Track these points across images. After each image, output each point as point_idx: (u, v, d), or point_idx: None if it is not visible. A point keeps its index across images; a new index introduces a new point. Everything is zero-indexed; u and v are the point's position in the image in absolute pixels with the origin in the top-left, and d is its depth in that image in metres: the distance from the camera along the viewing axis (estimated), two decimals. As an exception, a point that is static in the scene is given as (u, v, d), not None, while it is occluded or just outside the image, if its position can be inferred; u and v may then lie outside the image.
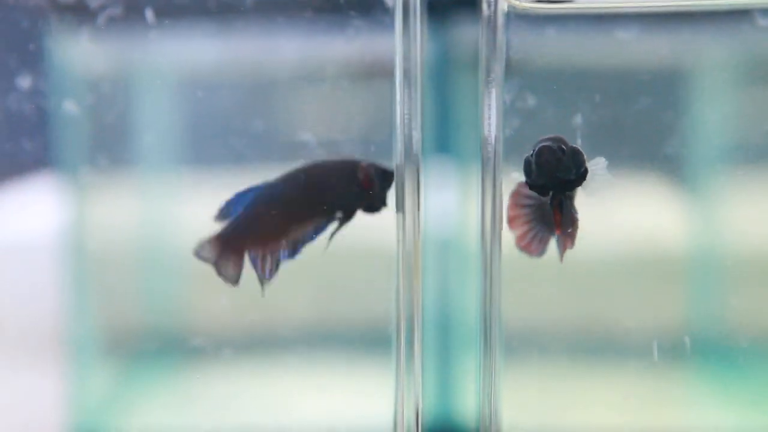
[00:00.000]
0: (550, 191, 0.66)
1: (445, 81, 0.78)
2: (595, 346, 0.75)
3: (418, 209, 0.73)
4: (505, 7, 0.66)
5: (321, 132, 0.74)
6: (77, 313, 0.79)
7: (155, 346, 0.78)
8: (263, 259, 0.69)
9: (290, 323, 0.77)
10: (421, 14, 0.69)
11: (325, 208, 0.70)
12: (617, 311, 0.74)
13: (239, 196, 0.68)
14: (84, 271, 0.78)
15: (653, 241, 0.74)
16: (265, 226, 0.69)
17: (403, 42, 0.69)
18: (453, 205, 0.79)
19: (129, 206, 0.78)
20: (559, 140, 0.66)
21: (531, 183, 0.66)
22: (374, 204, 0.71)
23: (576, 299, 0.75)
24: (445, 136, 0.79)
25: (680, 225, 0.75)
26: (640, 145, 0.72)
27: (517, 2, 0.66)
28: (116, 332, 0.78)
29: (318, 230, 0.71)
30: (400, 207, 0.71)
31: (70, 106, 0.75)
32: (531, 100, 0.69)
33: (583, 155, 0.66)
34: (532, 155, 0.65)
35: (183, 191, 0.77)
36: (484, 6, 0.66)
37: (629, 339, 0.74)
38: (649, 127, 0.71)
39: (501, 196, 0.70)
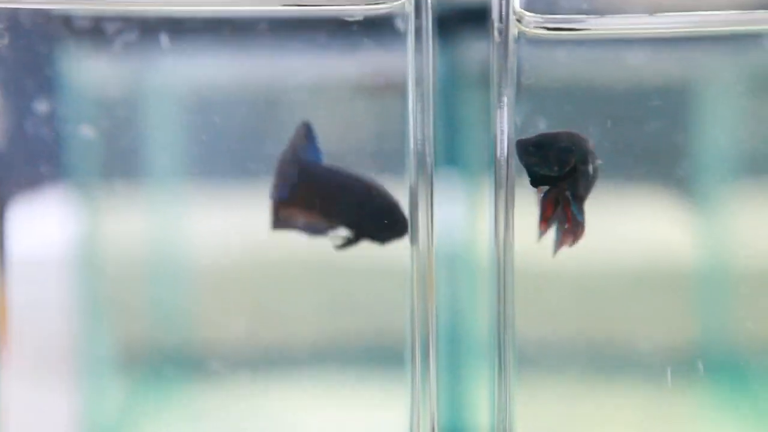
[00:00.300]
0: (534, 185, 0.69)
1: (452, 96, 0.79)
2: (608, 361, 0.76)
3: (432, 226, 0.74)
4: (516, 33, 0.68)
5: (332, 147, 0.75)
6: (90, 328, 0.79)
7: (168, 362, 0.78)
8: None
9: (302, 340, 0.78)
10: (432, 35, 0.70)
11: (340, 219, 0.73)
12: (629, 326, 0.75)
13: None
14: (97, 287, 0.79)
15: (665, 256, 0.75)
16: (300, 202, 0.73)
17: (415, 61, 0.70)
18: (461, 218, 0.80)
19: (142, 222, 0.78)
20: (565, 137, 0.68)
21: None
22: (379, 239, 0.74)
23: (588, 313, 0.76)
24: (454, 151, 0.80)
25: (691, 240, 0.76)
26: (650, 163, 0.73)
27: (527, 28, 0.68)
28: (129, 348, 0.78)
29: (328, 230, 0.73)
30: (414, 239, 0.73)
31: (84, 126, 0.76)
32: (542, 124, 0.70)
33: (571, 154, 0.68)
34: None
35: (195, 207, 0.78)
36: (495, 34, 0.68)
37: (641, 354, 0.75)
38: (658, 146, 0.72)
39: (513, 213, 0.71)
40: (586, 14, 0.67)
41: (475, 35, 0.76)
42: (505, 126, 0.70)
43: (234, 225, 0.77)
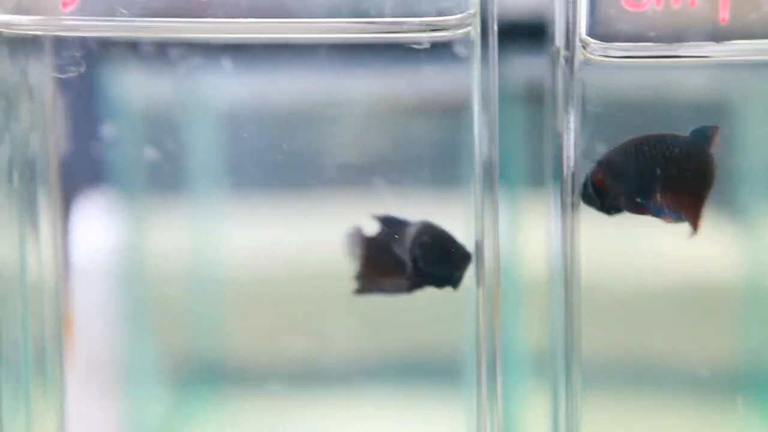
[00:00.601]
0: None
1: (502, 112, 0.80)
2: (669, 380, 0.76)
3: (498, 242, 0.75)
4: (580, 59, 0.68)
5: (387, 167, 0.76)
6: (135, 338, 0.81)
7: (209, 374, 0.80)
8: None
9: (348, 356, 0.79)
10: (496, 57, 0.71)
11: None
12: (688, 345, 0.76)
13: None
14: (142, 297, 0.80)
15: (717, 274, 0.76)
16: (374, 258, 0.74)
17: (480, 82, 0.71)
18: (505, 234, 0.81)
19: (185, 234, 0.80)
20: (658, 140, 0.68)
21: None
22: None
23: (647, 332, 0.76)
24: (503, 168, 0.81)
25: (732, 258, 0.76)
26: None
27: (592, 55, 0.68)
28: (172, 358, 0.80)
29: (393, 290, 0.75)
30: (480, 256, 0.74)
31: (137, 142, 0.78)
32: (600, 148, 0.70)
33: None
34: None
35: (238, 219, 0.79)
36: (561, 60, 0.68)
37: (700, 373, 0.76)
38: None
39: (579, 233, 0.72)
40: (652, 41, 0.67)
41: (528, 52, 0.77)
42: (572, 149, 0.71)
43: (278, 238, 0.79)
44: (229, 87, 0.76)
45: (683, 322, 0.76)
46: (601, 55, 0.68)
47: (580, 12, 0.68)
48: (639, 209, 0.68)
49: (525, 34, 0.76)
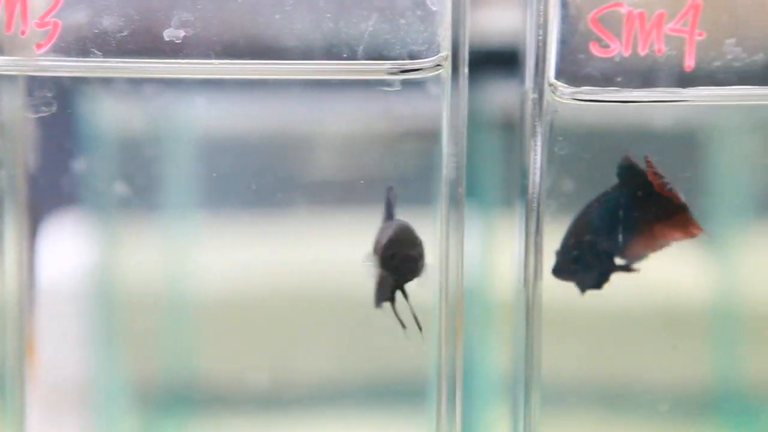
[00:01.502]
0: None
1: (475, 137, 0.82)
2: (629, 401, 0.79)
3: (462, 266, 0.77)
4: (550, 100, 0.70)
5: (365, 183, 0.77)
6: (104, 361, 0.82)
7: (180, 396, 0.81)
8: None
9: (319, 376, 0.81)
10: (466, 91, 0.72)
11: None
12: (651, 366, 0.79)
13: None
14: (112, 319, 0.81)
15: (687, 297, 0.78)
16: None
17: (449, 113, 0.73)
18: (478, 255, 0.83)
19: (152, 257, 0.80)
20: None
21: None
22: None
23: (610, 353, 0.79)
24: (472, 189, 0.83)
25: (707, 280, 0.79)
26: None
27: (560, 99, 0.70)
28: (142, 381, 0.81)
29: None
30: (443, 275, 0.75)
31: (106, 164, 0.78)
32: (566, 177, 0.72)
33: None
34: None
35: (208, 241, 0.80)
36: (529, 102, 0.70)
37: (662, 395, 0.78)
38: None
39: (542, 252, 0.74)
40: (618, 86, 0.69)
41: (505, 82, 0.79)
42: (537, 178, 0.72)
43: (248, 259, 0.80)
44: (204, 116, 0.77)
45: (647, 344, 0.78)
46: (568, 98, 0.70)
47: (549, 56, 0.69)
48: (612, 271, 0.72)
49: (502, 65, 0.77)
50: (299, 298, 0.80)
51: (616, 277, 0.75)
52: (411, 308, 0.75)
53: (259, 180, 0.78)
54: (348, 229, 0.77)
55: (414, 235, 0.74)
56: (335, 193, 0.78)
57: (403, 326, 0.75)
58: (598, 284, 0.73)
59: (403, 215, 0.76)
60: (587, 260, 0.73)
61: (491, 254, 0.83)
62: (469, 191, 0.79)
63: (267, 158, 0.79)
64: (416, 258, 0.74)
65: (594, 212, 0.72)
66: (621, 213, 0.71)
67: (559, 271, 0.73)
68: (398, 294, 0.75)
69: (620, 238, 0.71)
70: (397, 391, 0.79)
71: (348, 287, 0.78)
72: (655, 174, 0.71)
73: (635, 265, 0.73)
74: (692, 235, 0.72)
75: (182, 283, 0.81)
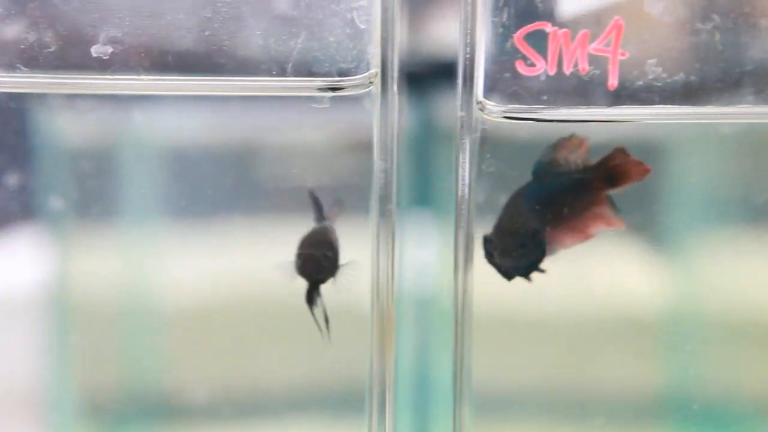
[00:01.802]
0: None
1: (423, 146, 0.83)
2: (567, 409, 0.80)
3: (392, 274, 0.78)
4: (478, 117, 0.71)
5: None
6: (57, 372, 0.82)
7: (135, 409, 0.81)
8: None
9: (263, 386, 0.82)
10: (399, 95, 0.73)
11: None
12: (589, 373, 0.80)
13: None
14: (67, 330, 0.81)
15: (626, 303, 0.80)
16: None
17: (380, 126, 0.74)
18: (432, 262, 0.84)
19: (113, 265, 0.80)
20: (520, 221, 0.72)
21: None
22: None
23: (548, 360, 0.80)
24: (422, 197, 0.84)
25: (652, 288, 0.81)
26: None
27: (488, 117, 0.71)
28: (98, 394, 0.81)
29: None
30: (375, 283, 0.77)
31: (59, 174, 0.78)
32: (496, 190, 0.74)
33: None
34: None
35: (166, 247, 0.80)
36: (458, 122, 0.72)
37: (600, 402, 0.80)
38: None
39: (473, 253, 0.75)
40: (545, 105, 0.71)
41: (442, 90, 0.80)
42: (467, 184, 0.74)
43: (184, 269, 0.80)
44: (141, 129, 0.77)
45: (585, 352, 0.80)
46: (496, 116, 0.71)
47: (477, 74, 0.71)
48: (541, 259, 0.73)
49: (440, 78, 0.79)
50: (233, 307, 0.80)
51: (554, 284, 0.77)
52: (324, 310, 0.76)
53: (196, 191, 0.79)
54: (285, 238, 0.78)
55: (327, 237, 0.75)
56: (274, 202, 0.79)
57: (320, 330, 0.76)
58: (526, 273, 0.74)
59: (343, 225, 0.77)
60: (512, 244, 0.74)
61: (429, 264, 0.85)
62: (414, 202, 0.80)
63: (203, 169, 0.79)
64: (319, 259, 0.75)
65: (522, 201, 0.73)
66: (547, 203, 0.73)
67: (489, 256, 0.74)
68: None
69: (546, 227, 0.72)
70: (335, 399, 0.81)
71: (285, 295, 0.79)
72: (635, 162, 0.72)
73: (561, 253, 0.74)
74: (612, 226, 0.74)
75: (138, 292, 0.81)
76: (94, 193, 0.79)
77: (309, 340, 0.80)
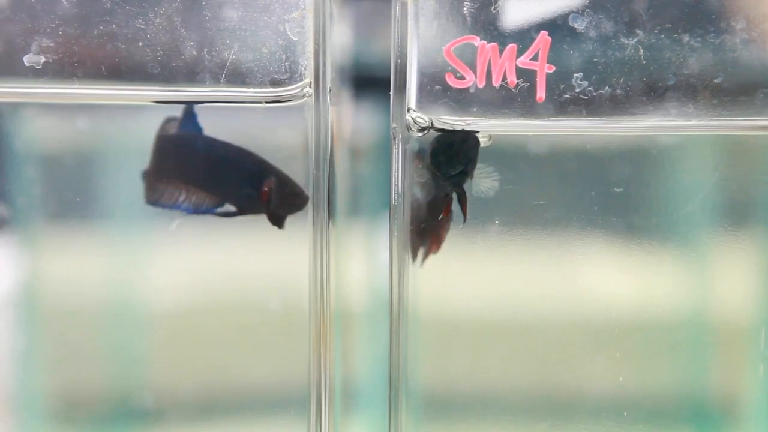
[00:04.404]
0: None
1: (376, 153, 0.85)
2: (506, 412, 0.81)
3: (328, 270, 0.79)
4: (410, 127, 0.73)
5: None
6: (30, 376, 0.82)
7: (106, 410, 0.81)
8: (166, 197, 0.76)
9: (204, 386, 0.82)
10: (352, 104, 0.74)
11: (221, 191, 0.76)
12: (526, 376, 0.81)
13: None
14: (36, 331, 0.81)
15: (576, 304, 0.81)
16: (176, 172, 0.76)
17: (315, 137, 0.75)
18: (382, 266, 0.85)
19: (83, 265, 0.81)
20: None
21: None
22: (269, 218, 0.77)
23: (487, 363, 0.81)
24: (359, 202, 0.85)
25: (564, 290, 0.82)
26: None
27: (413, 132, 0.73)
28: (69, 398, 0.81)
29: (210, 207, 0.77)
30: (313, 286, 0.78)
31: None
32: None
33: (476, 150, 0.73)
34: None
35: (141, 249, 0.81)
36: (391, 132, 0.73)
37: (538, 405, 0.81)
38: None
39: (408, 256, 0.76)
40: (474, 116, 0.72)
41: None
42: (400, 193, 0.75)
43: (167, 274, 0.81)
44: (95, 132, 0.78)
45: (529, 355, 0.81)
46: (426, 127, 0.72)
47: (409, 86, 0.72)
48: None
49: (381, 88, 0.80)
50: (196, 306, 0.81)
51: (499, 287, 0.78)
52: None
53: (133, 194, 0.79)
54: (234, 240, 0.78)
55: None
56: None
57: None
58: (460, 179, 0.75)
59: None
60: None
61: (369, 269, 0.86)
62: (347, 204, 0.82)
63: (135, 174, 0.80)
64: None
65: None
66: None
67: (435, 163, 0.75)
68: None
69: None
70: (277, 401, 0.81)
71: (226, 298, 0.80)
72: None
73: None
74: None
75: (106, 296, 0.81)
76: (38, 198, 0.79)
77: (250, 343, 0.81)
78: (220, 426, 0.82)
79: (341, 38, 0.79)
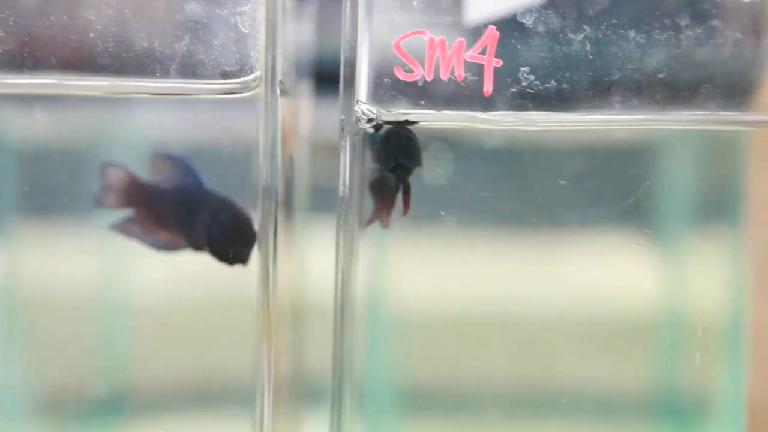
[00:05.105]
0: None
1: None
2: (468, 408, 0.82)
3: (274, 266, 0.79)
4: (359, 120, 0.74)
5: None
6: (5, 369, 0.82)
7: (87, 407, 0.81)
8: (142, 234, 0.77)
9: (161, 380, 0.82)
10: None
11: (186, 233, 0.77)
12: (489, 373, 0.82)
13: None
14: (15, 326, 0.81)
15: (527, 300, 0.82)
16: (152, 212, 0.76)
17: (266, 130, 0.75)
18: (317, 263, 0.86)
19: (64, 259, 0.80)
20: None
21: None
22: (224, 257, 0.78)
23: (450, 359, 0.82)
24: (324, 196, 0.86)
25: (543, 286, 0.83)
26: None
27: (362, 124, 0.73)
28: (49, 394, 0.81)
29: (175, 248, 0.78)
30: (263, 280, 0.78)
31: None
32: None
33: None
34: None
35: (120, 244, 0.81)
36: (340, 125, 0.74)
37: (506, 401, 0.82)
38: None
39: (355, 250, 0.77)
40: (423, 109, 0.73)
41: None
42: (347, 185, 0.76)
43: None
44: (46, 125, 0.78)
45: (503, 351, 0.82)
46: (375, 120, 0.73)
47: (359, 80, 0.72)
48: None
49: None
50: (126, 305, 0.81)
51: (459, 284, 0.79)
52: None
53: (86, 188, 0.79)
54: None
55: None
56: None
57: None
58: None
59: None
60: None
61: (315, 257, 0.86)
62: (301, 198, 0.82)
63: (85, 169, 0.79)
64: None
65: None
66: None
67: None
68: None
69: None
70: (225, 396, 0.82)
71: (172, 291, 0.80)
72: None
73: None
74: None
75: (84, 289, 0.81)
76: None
77: (197, 338, 0.81)
78: (167, 418, 0.82)
79: (300, 33, 0.80)
